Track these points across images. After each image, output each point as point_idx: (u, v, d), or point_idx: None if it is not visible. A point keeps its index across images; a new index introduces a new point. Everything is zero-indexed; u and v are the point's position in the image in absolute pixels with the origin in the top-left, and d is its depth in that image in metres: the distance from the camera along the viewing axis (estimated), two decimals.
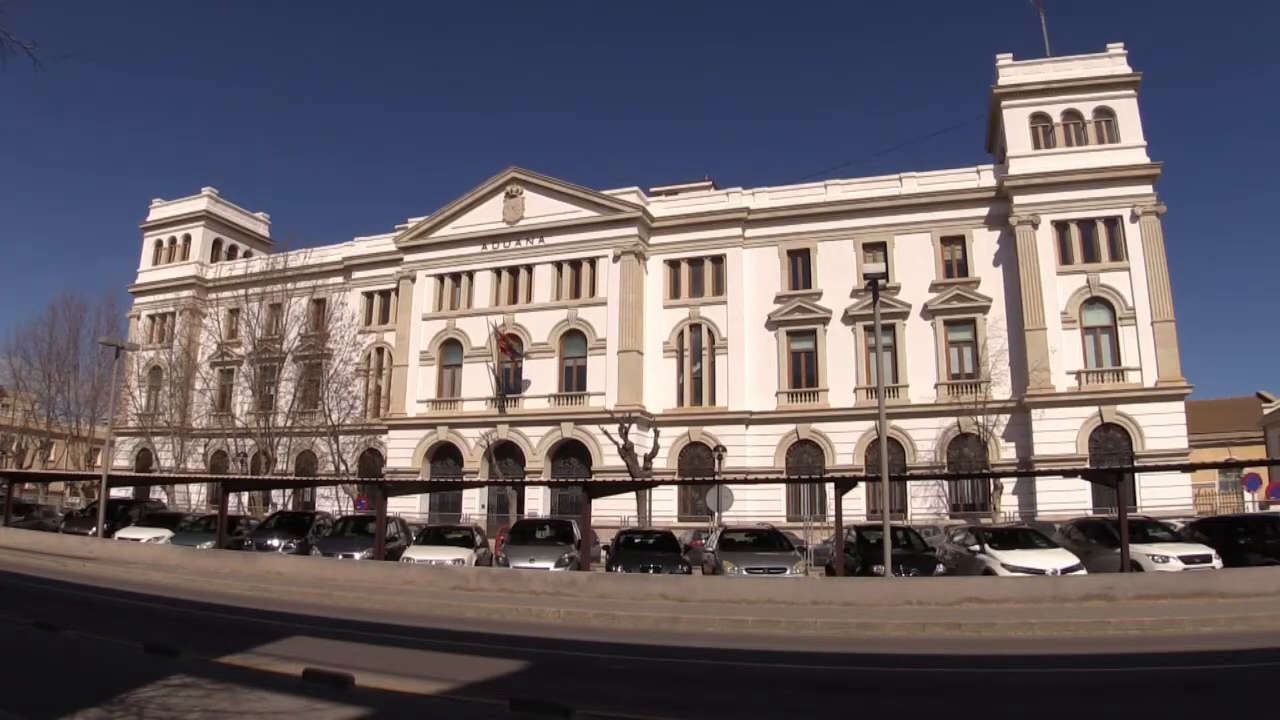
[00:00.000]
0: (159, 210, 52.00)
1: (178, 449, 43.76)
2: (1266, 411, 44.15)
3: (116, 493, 33.89)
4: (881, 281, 19.86)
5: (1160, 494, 27.62)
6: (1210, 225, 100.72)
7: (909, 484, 32.34)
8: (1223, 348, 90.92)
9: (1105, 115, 33.94)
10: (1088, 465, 29.24)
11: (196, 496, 42.76)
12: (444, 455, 39.28)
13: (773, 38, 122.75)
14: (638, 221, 37.68)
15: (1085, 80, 34.11)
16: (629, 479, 28.32)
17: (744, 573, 18.20)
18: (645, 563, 19.33)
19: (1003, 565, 17.74)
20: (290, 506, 37.67)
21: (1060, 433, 31.14)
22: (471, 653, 10.80)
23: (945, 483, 32.35)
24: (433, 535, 23.58)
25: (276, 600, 15.78)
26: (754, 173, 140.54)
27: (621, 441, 30.82)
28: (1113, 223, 32.87)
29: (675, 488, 34.69)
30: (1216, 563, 17.36)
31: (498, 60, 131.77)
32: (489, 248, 39.99)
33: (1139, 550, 17.93)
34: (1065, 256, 33.23)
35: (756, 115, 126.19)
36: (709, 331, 37.48)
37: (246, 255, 50.74)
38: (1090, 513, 27.68)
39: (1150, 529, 20.04)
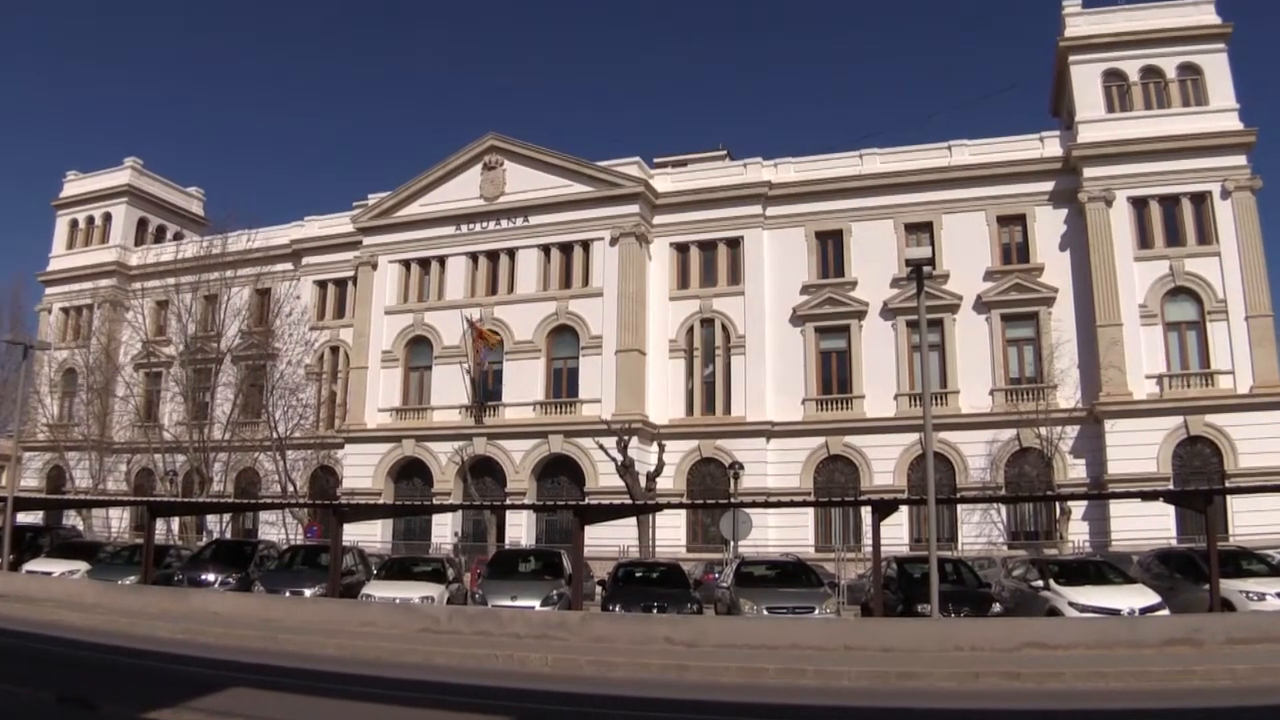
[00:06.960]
0: (74, 184, 52.27)
1: (96, 466, 43.93)
2: None
3: (24, 518, 34.02)
4: (927, 268, 19.89)
5: (1256, 520, 27.64)
6: None
7: (959, 508, 32.45)
8: None
9: (1191, 73, 34.07)
10: (1170, 486, 29.30)
11: (118, 522, 42.92)
12: (410, 474, 39.41)
13: None
14: (639, 198, 37.81)
15: (1167, 32, 34.24)
16: (629, 502, 28.39)
17: (764, 612, 18.38)
18: (648, 600, 19.46)
19: (1070, 604, 17.87)
20: (229, 534, 37.79)
21: (1138, 447, 31.20)
22: (443, 707, 10.87)
23: (1002, 506, 32.46)
24: (397, 568, 23.74)
25: (213, 645, 15.88)
26: (776, 141, 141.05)
27: (620, 457, 30.91)
28: (1200, 199, 32.99)
29: (683, 512, 34.83)
30: None
31: (476, 7, 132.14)
32: (464, 228, 40.14)
33: (1231, 586, 18.02)
34: (1144, 239, 33.34)
35: (779, 75, 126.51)
36: (723, 327, 37.61)
37: (177, 238, 51.01)
38: (1174, 542, 27.75)
39: (1244, 561, 20.15)
